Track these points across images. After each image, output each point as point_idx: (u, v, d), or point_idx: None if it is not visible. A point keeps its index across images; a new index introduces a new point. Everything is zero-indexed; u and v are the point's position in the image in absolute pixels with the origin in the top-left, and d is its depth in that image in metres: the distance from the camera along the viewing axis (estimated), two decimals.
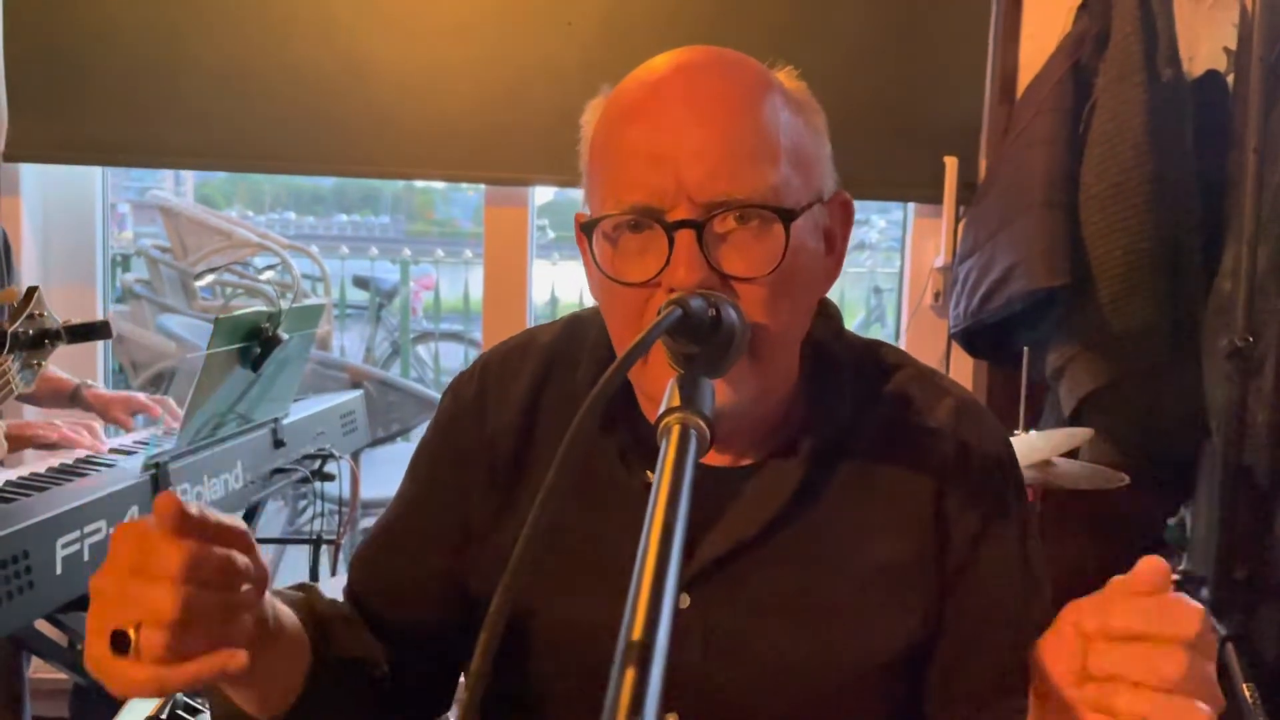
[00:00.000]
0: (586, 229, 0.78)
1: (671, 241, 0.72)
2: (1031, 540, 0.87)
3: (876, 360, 0.89)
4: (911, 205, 2.56)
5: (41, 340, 1.49)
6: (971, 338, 2.26)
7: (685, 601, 0.81)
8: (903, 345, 2.52)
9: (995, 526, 0.84)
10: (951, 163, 2.34)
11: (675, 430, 0.55)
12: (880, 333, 4.53)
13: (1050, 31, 2.28)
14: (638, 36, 2.34)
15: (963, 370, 2.38)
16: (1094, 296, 2.08)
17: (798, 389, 0.84)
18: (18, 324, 1.45)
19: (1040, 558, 0.87)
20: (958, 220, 2.36)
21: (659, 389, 0.62)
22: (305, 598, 0.82)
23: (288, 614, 0.75)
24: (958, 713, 0.84)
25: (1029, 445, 1.76)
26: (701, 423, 0.56)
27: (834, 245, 0.83)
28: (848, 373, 0.86)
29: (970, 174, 2.37)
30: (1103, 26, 2.10)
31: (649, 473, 0.82)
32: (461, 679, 0.96)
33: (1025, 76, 2.31)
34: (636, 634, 0.40)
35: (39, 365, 1.51)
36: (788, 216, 0.74)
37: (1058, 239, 2.07)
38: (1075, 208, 2.09)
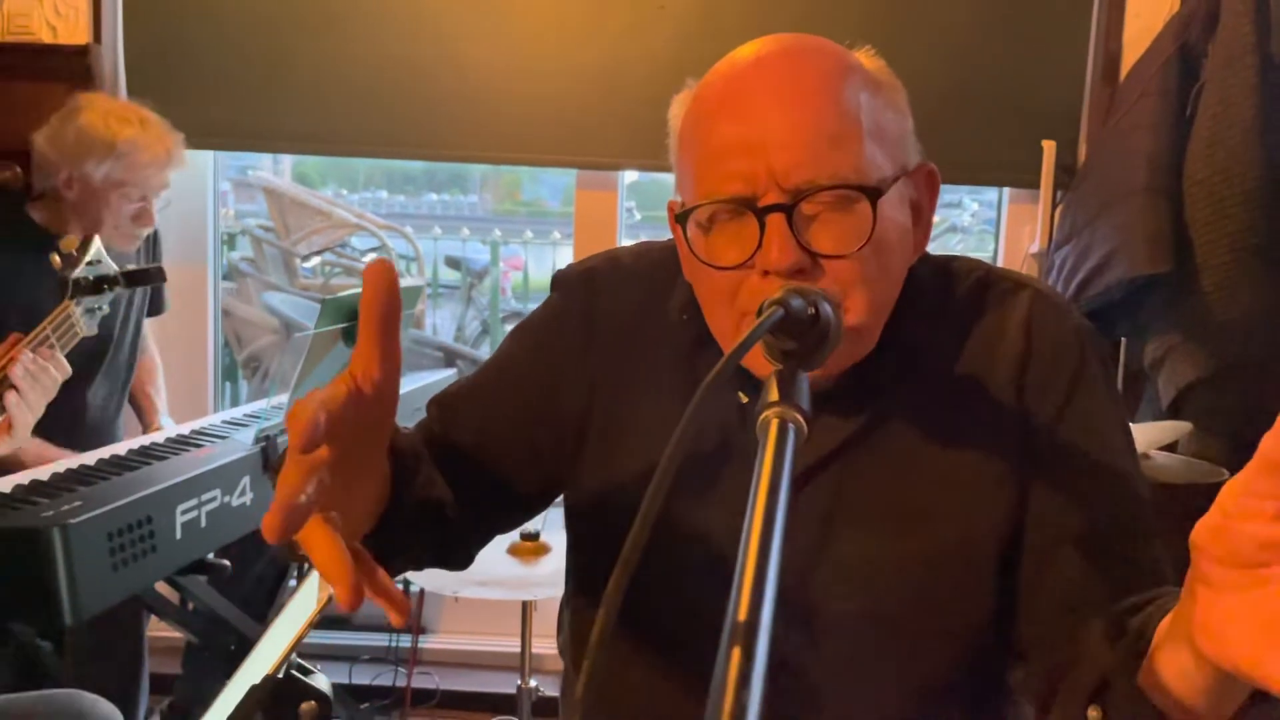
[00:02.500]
0: (681, 219, 0.83)
1: (763, 226, 0.77)
2: (1121, 407, 0.88)
3: (948, 270, 0.91)
4: (1006, 190, 2.52)
5: (100, 286, 1.61)
6: None
7: None
8: None
9: (1081, 389, 0.86)
10: (1050, 146, 2.29)
11: (774, 424, 0.57)
12: None
13: (1157, 11, 2.21)
14: (730, 18, 2.34)
15: None
16: (1197, 285, 2.02)
17: None
18: (78, 271, 1.57)
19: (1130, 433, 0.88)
20: (1054, 205, 2.31)
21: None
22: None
23: None
24: (1058, 617, 0.81)
25: None
26: (799, 416, 0.58)
27: (921, 215, 0.86)
28: (927, 287, 0.88)
29: (1069, 158, 2.31)
30: (1212, 6, 2.03)
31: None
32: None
33: (1130, 58, 2.25)
34: (742, 615, 0.42)
35: (100, 309, 1.63)
36: (873, 194, 0.77)
37: (1160, 225, 2.02)
38: (1179, 194, 2.03)
